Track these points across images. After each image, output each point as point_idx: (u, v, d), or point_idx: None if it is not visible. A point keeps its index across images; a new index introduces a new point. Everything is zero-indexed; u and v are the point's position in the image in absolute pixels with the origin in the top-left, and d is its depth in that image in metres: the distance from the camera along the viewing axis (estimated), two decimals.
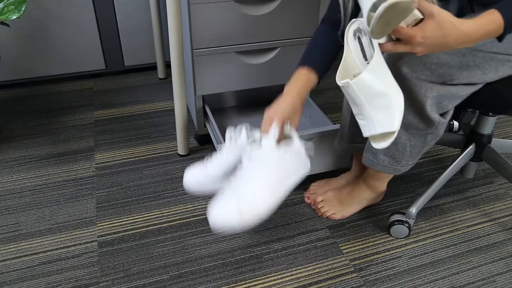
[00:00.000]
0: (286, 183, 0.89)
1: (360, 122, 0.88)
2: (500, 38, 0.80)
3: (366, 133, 0.87)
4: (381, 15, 0.70)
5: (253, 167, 0.86)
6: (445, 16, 0.75)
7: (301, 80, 1.01)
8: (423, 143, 1.03)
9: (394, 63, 0.91)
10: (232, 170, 0.97)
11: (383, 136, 0.85)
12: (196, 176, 1.03)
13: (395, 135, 0.84)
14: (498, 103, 1.01)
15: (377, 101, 0.83)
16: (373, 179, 1.20)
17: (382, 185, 1.22)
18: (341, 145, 1.26)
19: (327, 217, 1.28)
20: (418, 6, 0.73)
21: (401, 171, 1.09)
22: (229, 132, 0.98)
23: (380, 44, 0.81)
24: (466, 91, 0.95)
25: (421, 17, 0.75)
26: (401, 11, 0.71)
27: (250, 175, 0.85)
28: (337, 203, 1.27)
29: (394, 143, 1.02)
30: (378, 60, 0.82)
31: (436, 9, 0.74)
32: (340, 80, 0.85)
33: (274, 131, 0.90)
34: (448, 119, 0.99)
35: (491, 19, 0.78)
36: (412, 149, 1.04)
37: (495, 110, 1.07)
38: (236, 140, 0.96)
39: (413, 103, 0.93)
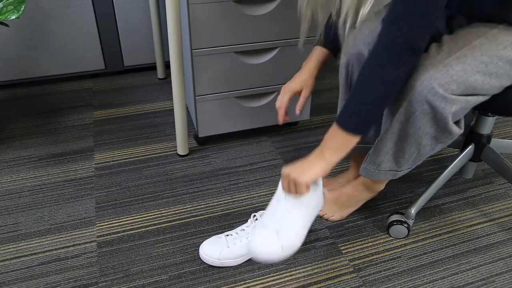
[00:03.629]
0: (311, 220, 1.04)
1: None
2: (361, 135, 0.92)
3: None
4: None
5: (291, 208, 0.99)
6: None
7: (313, 58, 1.15)
8: (430, 151, 1.03)
9: (423, 79, 0.90)
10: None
11: None
12: (218, 251, 1.13)
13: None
14: (494, 104, 1.01)
15: None
16: (373, 182, 1.20)
17: (381, 186, 1.22)
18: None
19: (326, 220, 1.28)
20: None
21: (399, 175, 1.10)
22: (253, 216, 1.15)
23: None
24: (479, 101, 0.95)
25: None
26: None
27: (289, 216, 0.99)
28: (335, 205, 1.27)
29: (402, 151, 1.03)
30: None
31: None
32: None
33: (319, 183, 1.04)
34: (463, 128, 0.99)
35: (330, 133, 0.94)
36: (417, 156, 1.04)
37: (493, 111, 1.07)
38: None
39: (435, 115, 0.93)
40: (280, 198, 1.01)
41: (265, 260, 0.98)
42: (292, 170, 0.96)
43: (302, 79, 1.14)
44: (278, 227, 0.98)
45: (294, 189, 0.97)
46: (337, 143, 0.93)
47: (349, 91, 1.17)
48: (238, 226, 1.24)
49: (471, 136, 1.28)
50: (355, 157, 1.32)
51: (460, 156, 1.27)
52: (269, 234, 0.97)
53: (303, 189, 0.96)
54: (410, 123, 0.96)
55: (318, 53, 1.14)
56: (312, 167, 0.95)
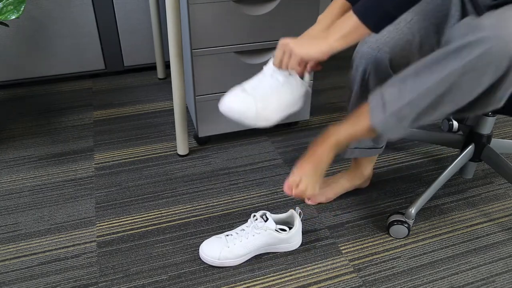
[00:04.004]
0: (289, 105, 1.01)
1: None
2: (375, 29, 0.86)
3: None
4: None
5: (274, 85, 0.98)
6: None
7: (334, 10, 1.01)
8: (452, 113, 0.92)
9: (510, 32, 0.78)
10: (256, 250, 1.15)
11: None
12: (218, 251, 1.13)
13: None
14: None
15: None
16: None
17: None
18: (348, 150, 1.27)
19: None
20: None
21: (401, 135, 0.98)
22: (253, 216, 1.16)
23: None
24: None
25: None
26: None
27: (270, 92, 0.98)
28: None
29: (435, 108, 0.89)
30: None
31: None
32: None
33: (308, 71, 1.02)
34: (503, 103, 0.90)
35: (345, 18, 0.87)
36: (438, 116, 0.92)
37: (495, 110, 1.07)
38: (259, 222, 1.13)
39: (506, 76, 0.81)
40: (266, 74, 0.99)
41: (236, 116, 0.97)
42: (292, 41, 0.93)
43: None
44: (258, 96, 0.96)
45: (288, 60, 0.93)
46: (346, 30, 0.87)
47: (363, 96, 1.12)
48: (238, 226, 1.24)
49: (471, 136, 1.29)
50: (355, 158, 1.32)
51: (460, 156, 1.27)
52: (247, 96, 0.96)
53: (296, 62, 0.92)
54: (474, 77, 0.82)
55: (341, 7, 1.00)
56: (312, 44, 0.91)
